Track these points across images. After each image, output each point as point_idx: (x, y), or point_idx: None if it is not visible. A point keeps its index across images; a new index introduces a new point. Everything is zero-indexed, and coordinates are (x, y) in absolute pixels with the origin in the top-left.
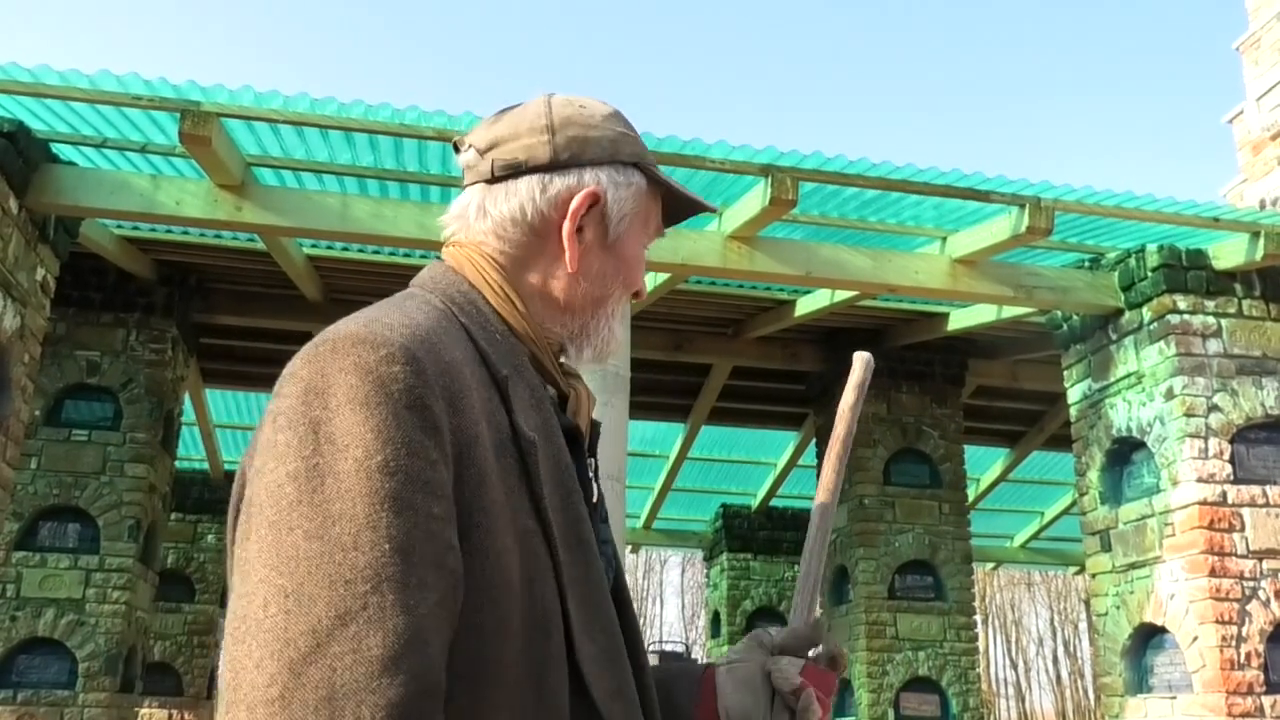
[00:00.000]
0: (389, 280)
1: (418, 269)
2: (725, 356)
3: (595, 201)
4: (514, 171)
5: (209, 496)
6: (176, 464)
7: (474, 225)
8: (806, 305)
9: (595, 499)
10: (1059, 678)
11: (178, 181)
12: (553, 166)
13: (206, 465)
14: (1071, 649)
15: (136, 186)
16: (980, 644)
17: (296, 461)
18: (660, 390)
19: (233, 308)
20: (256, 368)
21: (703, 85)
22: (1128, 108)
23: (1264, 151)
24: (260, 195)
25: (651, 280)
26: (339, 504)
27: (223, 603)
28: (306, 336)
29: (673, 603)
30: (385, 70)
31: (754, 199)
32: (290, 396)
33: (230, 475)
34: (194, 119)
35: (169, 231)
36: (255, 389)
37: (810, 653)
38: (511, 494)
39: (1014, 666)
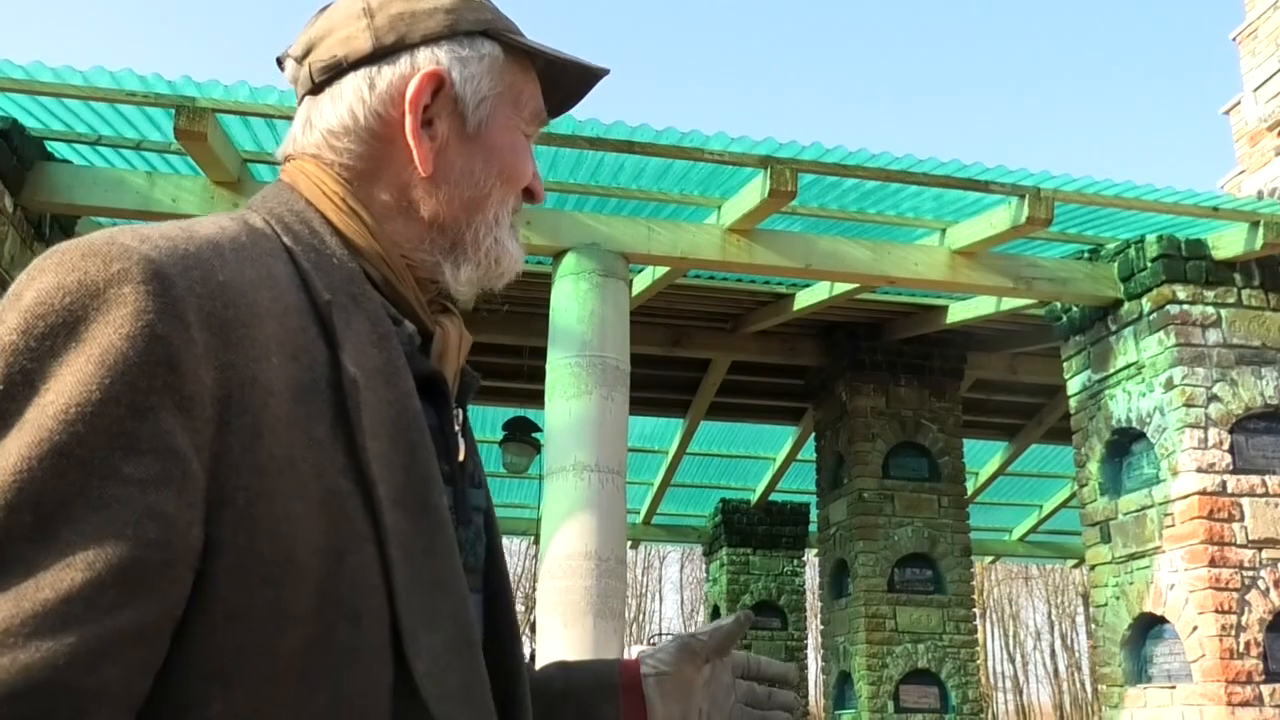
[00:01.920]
0: None
1: None
2: (724, 351)
3: (439, 85)
4: (335, 71)
5: None
6: None
7: (302, 141)
8: (805, 299)
9: (462, 457)
10: (1056, 671)
11: (174, 179)
12: (377, 55)
13: None
14: (1069, 642)
15: (132, 184)
16: (978, 637)
17: None
18: (659, 385)
19: None
20: None
21: (701, 77)
22: (1126, 99)
23: (1261, 143)
24: (257, 192)
25: (650, 274)
26: (1, 459)
27: None
28: None
29: (672, 598)
30: None
31: (753, 191)
32: (1, 323)
33: None
34: (189, 115)
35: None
36: None
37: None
38: (317, 447)
39: (1011, 660)
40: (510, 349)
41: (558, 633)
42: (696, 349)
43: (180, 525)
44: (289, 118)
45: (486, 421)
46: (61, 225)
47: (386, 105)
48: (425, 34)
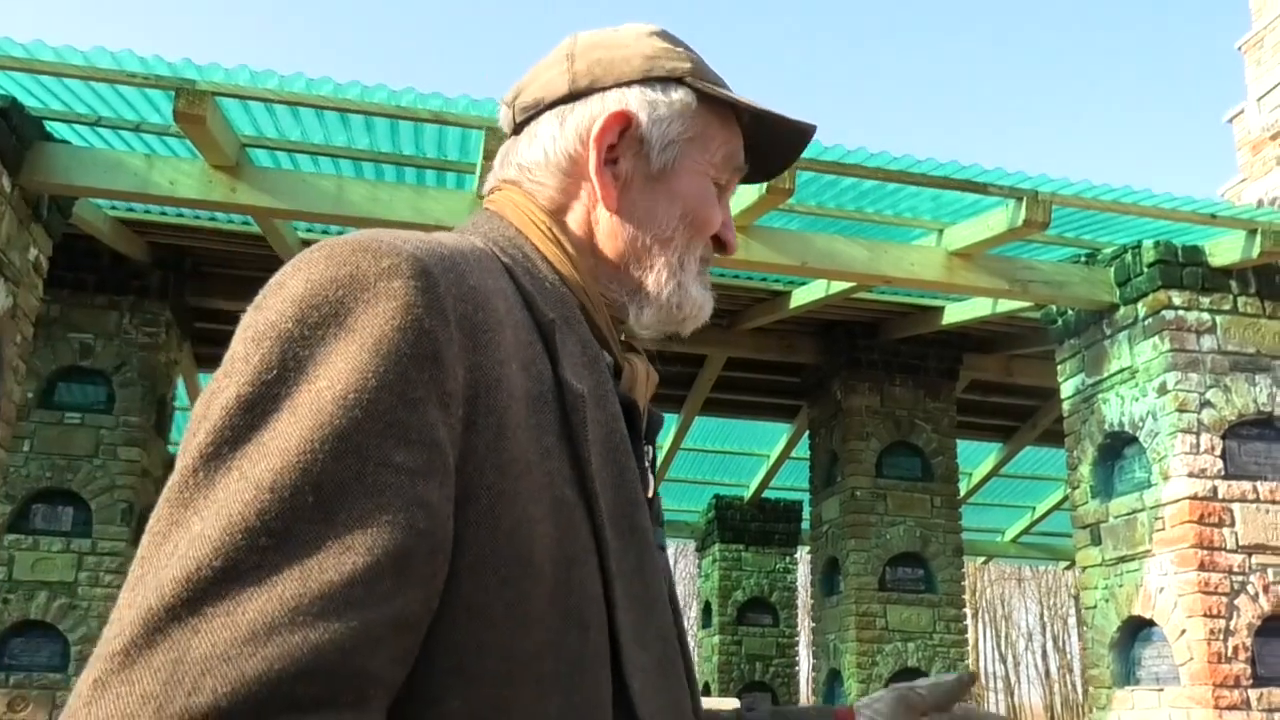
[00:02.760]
0: None
1: None
2: (720, 347)
3: (626, 125)
4: (534, 112)
5: None
6: (169, 448)
7: (500, 174)
8: (802, 297)
9: (651, 494)
10: (1048, 672)
11: (172, 161)
12: (572, 96)
13: None
14: (1060, 644)
15: (131, 166)
16: (969, 637)
17: (253, 384)
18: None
19: (227, 292)
20: None
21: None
22: (1130, 105)
23: (1263, 151)
24: (255, 176)
25: None
26: (278, 440)
27: None
28: None
29: None
30: (384, 52)
31: (750, 188)
32: (268, 309)
33: None
34: (189, 97)
35: (163, 213)
36: None
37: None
38: (547, 456)
39: (1003, 660)
40: None
41: None
42: (693, 345)
43: (442, 517)
44: (288, 103)
45: None
46: (59, 206)
47: (574, 142)
48: (619, 78)
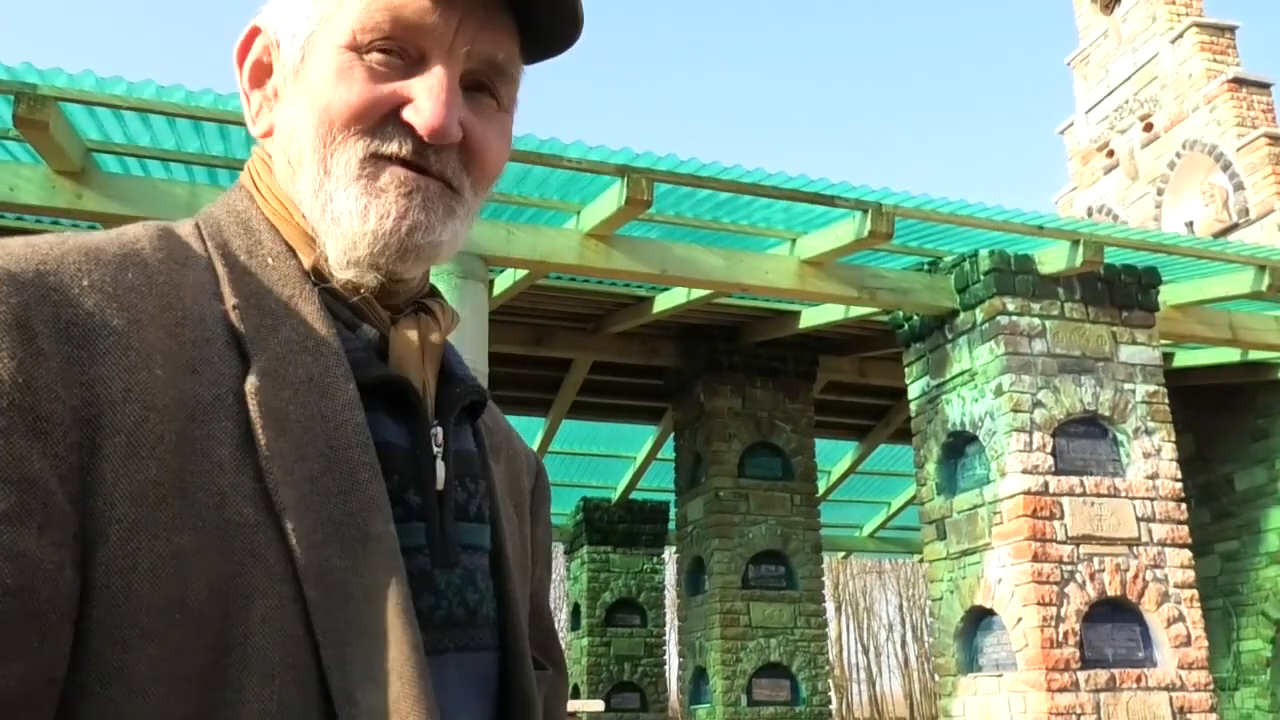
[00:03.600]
0: None
1: None
2: (585, 352)
3: (256, 34)
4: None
5: None
6: None
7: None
8: (664, 302)
9: (441, 485)
10: (907, 661)
11: (11, 166)
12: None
13: None
14: (919, 634)
15: None
16: (833, 631)
17: None
18: (521, 384)
19: None
20: None
21: (562, 85)
22: (971, 119)
23: (1092, 162)
24: (103, 182)
25: (510, 276)
26: None
27: None
28: None
29: None
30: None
31: (610, 198)
32: None
33: None
34: (29, 102)
35: (2, 218)
36: None
37: None
38: (217, 471)
39: (865, 651)
40: None
41: None
42: (558, 349)
43: (46, 568)
44: (136, 109)
45: None
46: None
47: (240, 78)
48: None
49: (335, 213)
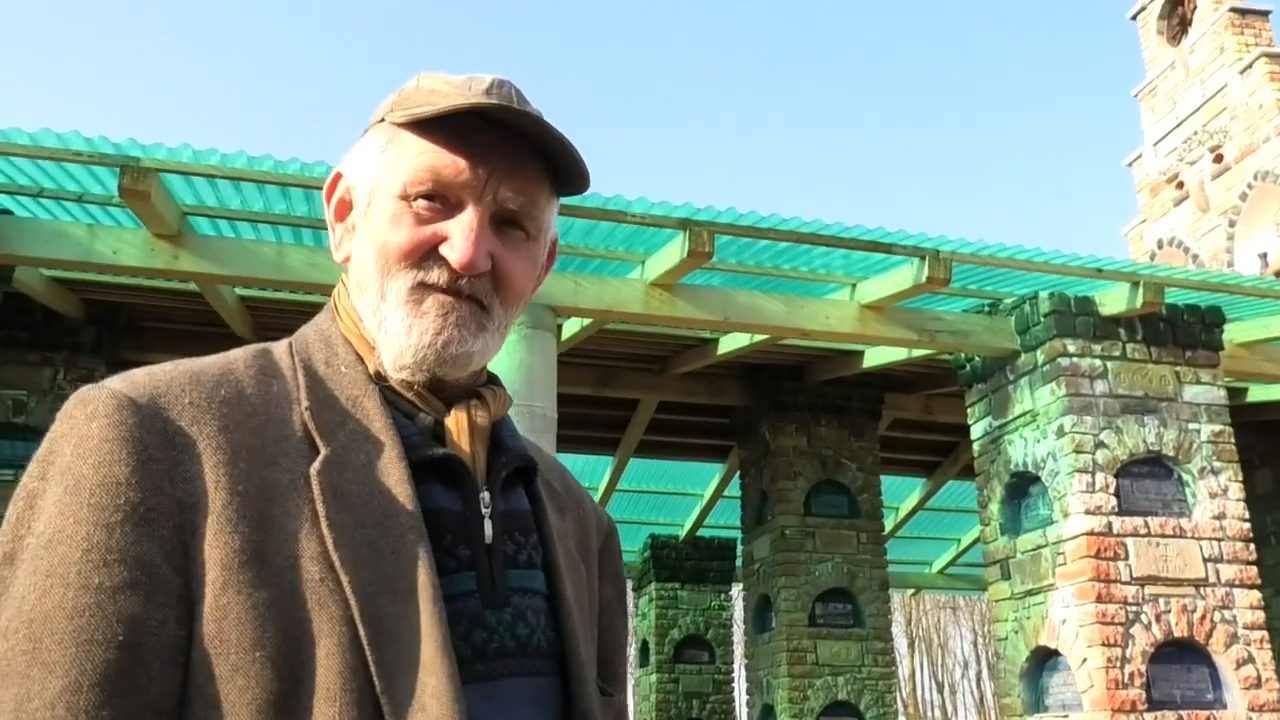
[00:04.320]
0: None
1: None
2: (652, 392)
3: (337, 180)
4: None
5: None
6: None
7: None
8: (729, 344)
9: (490, 540)
10: (982, 699)
11: (114, 231)
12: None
13: None
14: (996, 670)
15: (74, 236)
16: (905, 668)
17: (10, 541)
18: (588, 424)
19: (163, 346)
20: None
21: (625, 143)
22: (1038, 148)
23: (1160, 194)
24: (197, 244)
25: (577, 322)
26: (15, 588)
27: None
28: None
29: None
30: (326, 130)
31: (673, 250)
32: (30, 465)
33: None
34: (134, 174)
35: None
36: None
37: None
38: (290, 540)
39: (939, 689)
40: None
41: None
42: (625, 389)
43: (150, 625)
44: (230, 177)
45: None
46: (1, 275)
47: (327, 212)
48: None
49: (388, 330)
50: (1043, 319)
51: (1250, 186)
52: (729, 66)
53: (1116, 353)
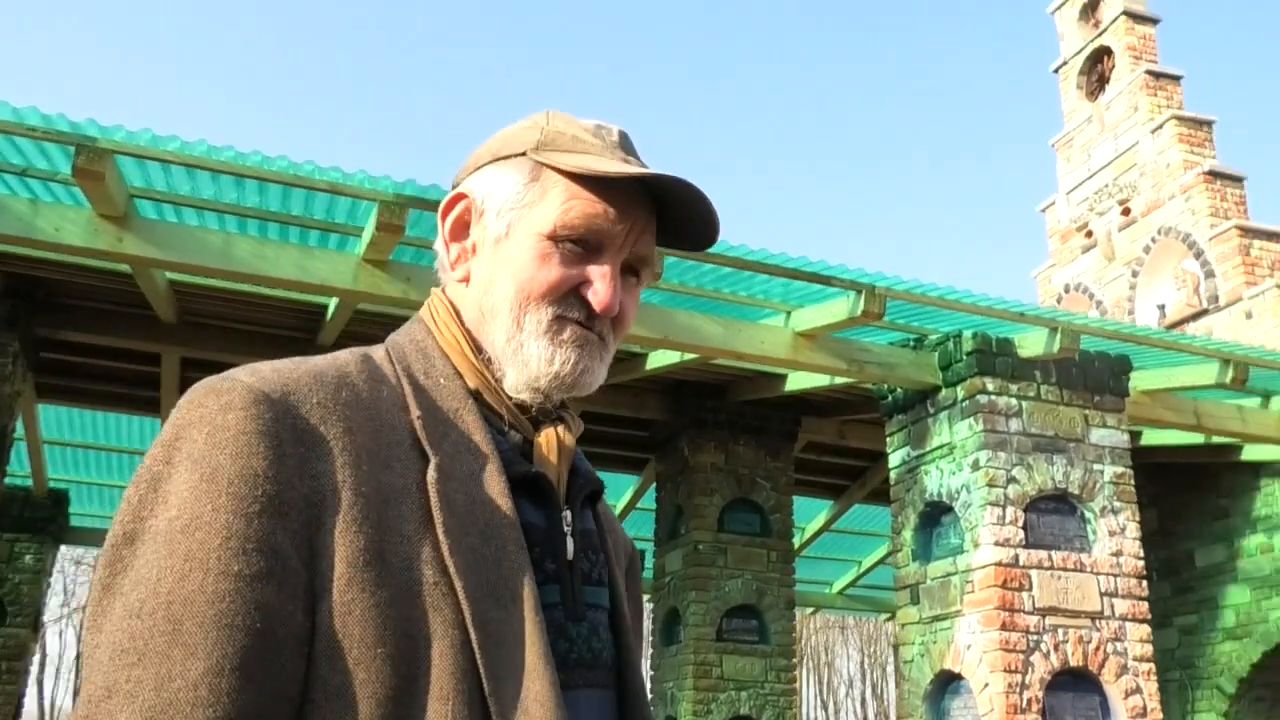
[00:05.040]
0: (250, 308)
1: (283, 299)
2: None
3: (463, 202)
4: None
5: (28, 515)
6: (7, 480)
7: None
8: (657, 360)
9: (571, 556)
10: (866, 718)
11: (57, 208)
12: (450, 191)
13: (29, 482)
14: (879, 691)
15: (15, 210)
16: (795, 686)
17: (132, 521)
18: None
19: (81, 324)
20: (95, 384)
21: None
22: (956, 198)
23: (1071, 240)
24: (142, 227)
25: None
26: (144, 569)
27: (35, 626)
28: (153, 358)
29: None
30: (311, 128)
31: None
32: (149, 451)
33: (54, 493)
34: (89, 155)
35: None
36: (92, 406)
37: None
38: (405, 543)
39: (824, 707)
40: None
41: None
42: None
43: (283, 614)
44: (187, 164)
45: None
46: None
47: (441, 229)
48: (475, 165)
49: (525, 356)
50: (965, 357)
51: (1154, 240)
52: (680, 97)
53: (1031, 393)
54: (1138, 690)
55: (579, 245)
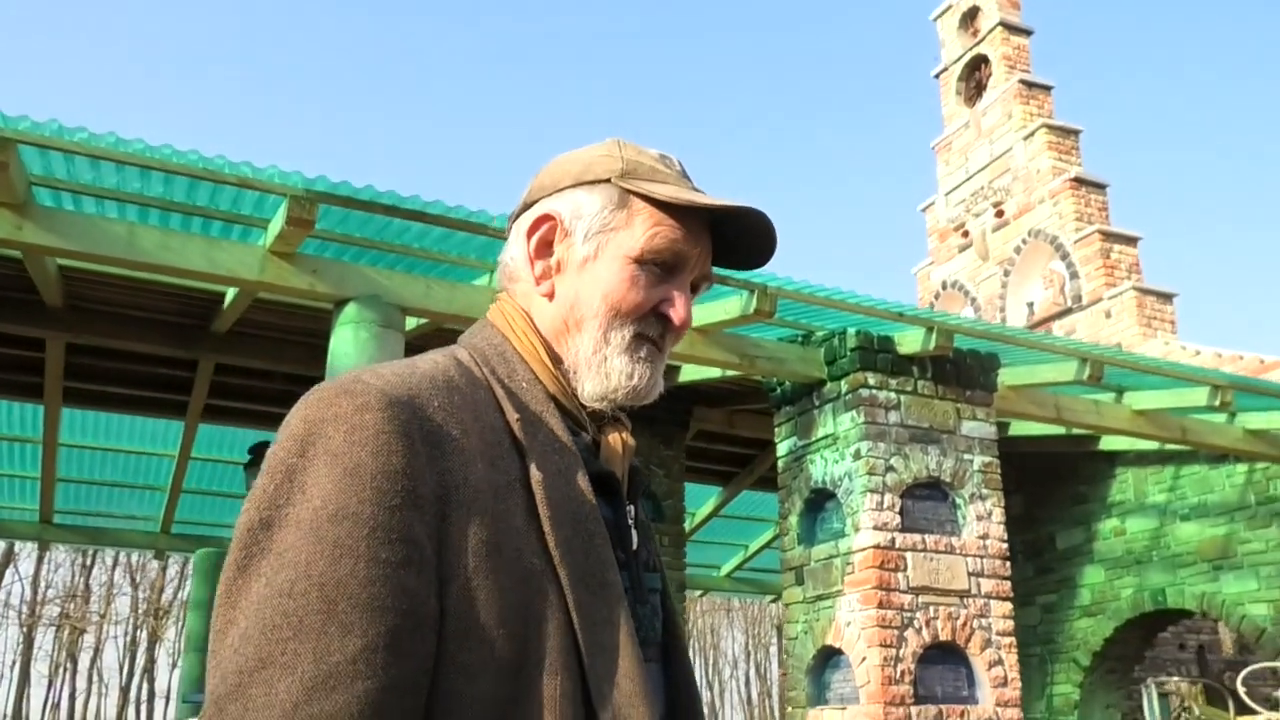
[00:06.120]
0: (141, 294)
1: (178, 287)
2: None
3: (550, 223)
4: (510, 226)
5: None
6: None
7: (498, 280)
8: None
9: (635, 546)
10: (750, 698)
11: None
12: (524, 207)
13: None
14: (763, 670)
15: None
16: None
17: (269, 508)
18: None
19: None
20: None
21: (492, 159)
22: (844, 191)
23: (948, 239)
24: (42, 216)
25: (413, 323)
26: (290, 552)
27: None
28: (38, 343)
29: None
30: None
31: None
32: (279, 444)
33: None
34: None
35: None
36: None
37: None
38: (516, 534)
39: (710, 687)
40: (261, 372)
41: None
42: None
43: (422, 597)
44: (94, 155)
45: (235, 443)
46: None
47: (521, 243)
48: (556, 185)
49: (608, 370)
50: (849, 353)
51: (1024, 242)
52: (569, 93)
53: (909, 388)
54: (1000, 662)
55: (659, 267)
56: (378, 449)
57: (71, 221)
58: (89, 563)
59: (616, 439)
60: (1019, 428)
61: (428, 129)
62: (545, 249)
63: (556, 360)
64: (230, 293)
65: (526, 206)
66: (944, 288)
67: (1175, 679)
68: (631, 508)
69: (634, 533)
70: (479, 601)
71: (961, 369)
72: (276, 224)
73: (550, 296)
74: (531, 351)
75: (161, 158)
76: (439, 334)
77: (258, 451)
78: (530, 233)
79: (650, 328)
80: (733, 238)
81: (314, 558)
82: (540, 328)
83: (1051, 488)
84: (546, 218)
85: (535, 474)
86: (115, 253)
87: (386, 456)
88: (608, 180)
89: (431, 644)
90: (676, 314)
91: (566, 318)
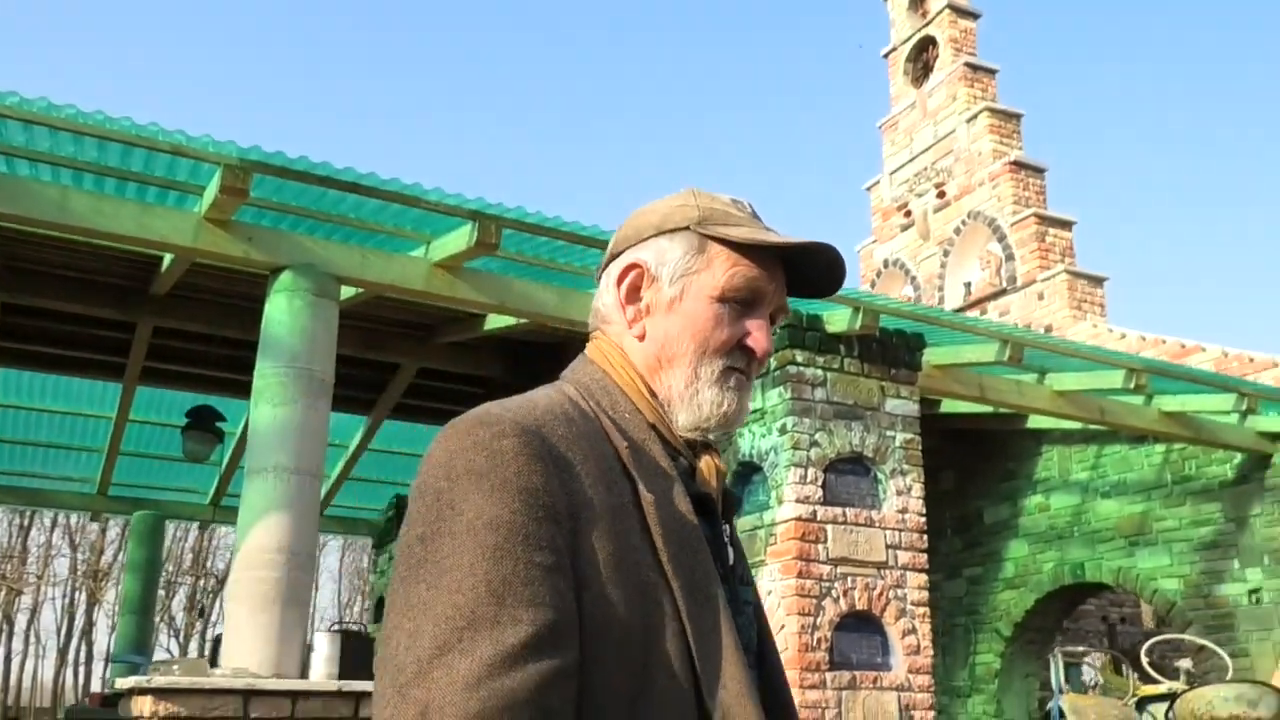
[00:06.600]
0: (79, 256)
1: (116, 250)
2: (415, 358)
3: (637, 270)
4: (600, 276)
5: None
6: None
7: (593, 323)
8: (495, 321)
9: (732, 562)
10: None
11: None
12: (611, 257)
13: None
14: None
15: None
16: None
17: (423, 526)
18: (347, 384)
19: None
20: None
21: (423, 130)
22: (791, 169)
23: (891, 219)
24: None
25: (349, 293)
26: (451, 558)
27: None
28: None
29: (329, 587)
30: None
31: (461, 236)
32: (424, 472)
33: None
34: None
35: None
36: None
37: None
38: (633, 550)
39: None
40: (200, 336)
41: (245, 620)
42: (389, 354)
43: (568, 600)
44: (24, 119)
45: (174, 407)
46: None
47: (611, 289)
48: (640, 235)
49: (700, 401)
50: (778, 331)
51: (964, 223)
52: (512, 64)
53: (835, 366)
54: (913, 631)
55: (739, 303)
56: (519, 469)
57: (2, 184)
58: (26, 524)
59: (709, 463)
60: (951, 405)
61: (388, 105)
62: (634, 294)
63: (652, 393)
64: (167, 257)
65: (614, 257)
66: (885, 266)
67: (1082, 649)
68: (726, 526)
69: (729, 549)
70: (609, 607)
71: (887, 348)
72: (210, 192)
73: (642, 338)
74: (631, 384)
75: (95, 123)
76: (374, 302)
77: (196, 415)
78: (620, 280)
79: (736, 360)
80: (805, 270)
81: (476, 560)
82: (639, 367)
83: (981, 464)
84: (634, 266)
85: (646, 496)
86: (47, 216)
87: (527, 476)
88: (686, 228)
89: (578, 640)
90: (758, 345)
91: (659, 355)
